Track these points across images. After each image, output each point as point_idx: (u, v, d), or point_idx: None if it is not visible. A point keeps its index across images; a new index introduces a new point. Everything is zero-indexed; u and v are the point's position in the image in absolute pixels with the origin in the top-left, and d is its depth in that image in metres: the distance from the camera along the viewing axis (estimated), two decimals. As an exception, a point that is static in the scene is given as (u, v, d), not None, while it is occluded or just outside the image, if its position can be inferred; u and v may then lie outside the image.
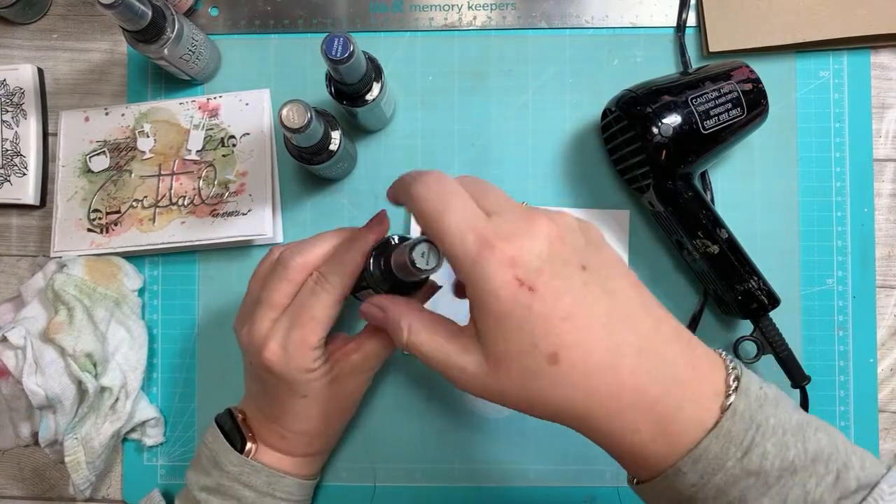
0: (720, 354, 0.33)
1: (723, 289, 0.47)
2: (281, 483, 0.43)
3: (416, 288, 0.42)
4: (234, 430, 0.44)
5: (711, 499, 0.30)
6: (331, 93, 0.45)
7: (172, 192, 0.51)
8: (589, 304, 0.30)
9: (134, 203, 0.51)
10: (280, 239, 0.52)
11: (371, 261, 0.40)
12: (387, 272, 0.39)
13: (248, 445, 0.43)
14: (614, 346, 0.30)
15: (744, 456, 0.29)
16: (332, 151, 0.46)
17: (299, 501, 0.45)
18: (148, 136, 0.52)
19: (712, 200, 0.51)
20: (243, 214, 0.51)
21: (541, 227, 0.31)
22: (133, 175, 0.52)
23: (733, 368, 0.32)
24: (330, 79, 0.45)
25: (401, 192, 0.35)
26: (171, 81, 0.53)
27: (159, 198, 0.51)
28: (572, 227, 0.32)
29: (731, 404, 0.30)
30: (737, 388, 0.31)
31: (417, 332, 0.35)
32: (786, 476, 0.29)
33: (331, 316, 0.40)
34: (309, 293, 0.40)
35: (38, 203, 0.53)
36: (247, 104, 0.52)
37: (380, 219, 0.41)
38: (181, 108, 0.52)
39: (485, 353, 0.32)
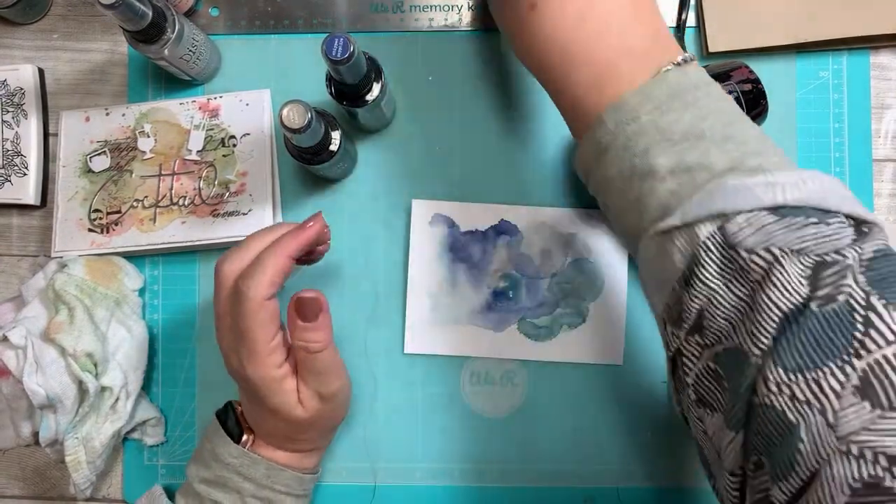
0: (685, 52, 0.34)
1: (722, 289, 0.47)
2: (280, 476, 0.43)
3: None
4: (233, 423, 0.44)
5: (621, 148, 0.33)
6: (331, 93, 0.45)
7: (173, 192, 0.51)
8: None
9: (134, 203, 0.51)
10: (280, 239, 0.52)
11: None
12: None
13: (245, 437, 0.44)
14: (586, 9, 0.34)
15: (659, 115, 0.32)
16: (332, 152, 0.46)
17: (299, 496, 0.45)
18: (148, 137, 0.52)
19: (712, 200, 0.51)
20: (244, 214, 0.51)
21: None
22: (133, 175, 0.52)
23: (690, 59, 0.34)
24: (330, 79, 0.45)
25: None
26: (171, 82, 0.53)
27: (160, 198, 0.51)
28: None
29: (663, 71, 0.33)
30: (679, 65, 0.33)
31: None
32: (691, 140, 0.31)
33: (262, 319, 0.39)
34: (236, 312, 0.40)
35: (38, 203, 0.53)
36: (247, 104, 0.52)
37: (309, 222, 0.42)
38: (181, 109, 0.52)
39: None
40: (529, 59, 0.37)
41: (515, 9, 0.36)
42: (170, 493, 0.47)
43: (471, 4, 0.53)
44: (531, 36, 0.36)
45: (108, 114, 0.52)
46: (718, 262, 0.29)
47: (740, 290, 0.29)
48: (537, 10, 0.35)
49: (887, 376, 0.25)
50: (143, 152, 0.52)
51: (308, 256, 0.44)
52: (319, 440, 0.46)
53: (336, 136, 0.46)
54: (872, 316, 0.26)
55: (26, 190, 0.52)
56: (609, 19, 0.34)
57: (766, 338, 0.28)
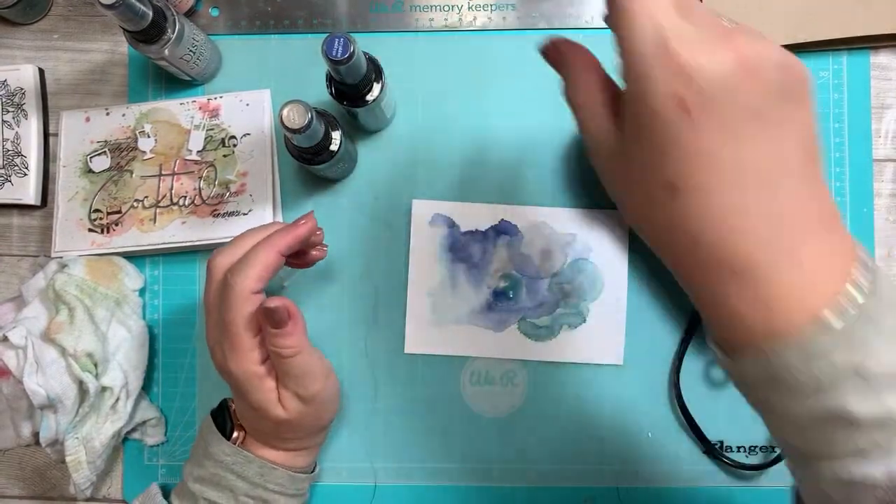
0: (857, 245, 0.28)
1: (722, 289, 0.47)
2: (273, 475, 0.43)
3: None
4: (225, 419, 0.45)
5: (802, 384, 0.26)
6: (331, 93, 0.45)
7: (173, 192, 0.51)
8: (735, 151, 0.26)
9: (135, 203, 0.51)
10: (280, 239, 0.52)
11: None
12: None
13: (235, 434, 0.44)
14: (743, 205, 0.26)
15: (855, 354, 0.25)
16: (332, 152, 0.46)
17: (292, 495, 0.45)
18: (149, 137, 0.52)
19: (712, 200, 0.51)
20: (244, 214, 0.51)
21: (733, 50, 0.26)
22: (134, 175, 0.52)
23: (874, 269, 0.27)
24: (330, 79, 0.45)
25: None
26: (171, 82, 0.53)
27: (160, 198, 0.51)
28: (771, 64, 0.27)
29: (855, 299, 0.26)
30: (870, 287, 0.26)
31: (587, 83, 0.32)
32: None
33: (245, 314, 0.40)
34: (221, 308, 0.41)
35: (38, 203, 0.53)
36: (247, 104, 0.52)
37: (305, 218, 0.43)
38: (182, 109, 0.52)
39: (621, 144, 0.29)
40: (663, 252, 0.30)
41: (647, 191, 0.28)
42: (167, 492, 0.47)
43: (471, 4, 0.53)
44: (671, 229, 0.28)
45: (108, 114, 0.52)
46: None
47: None
48: (680, 198, 0.27)
49: None
50: (144, 152, 0.52)
51: (301, 259, 0.45)
52: (308, 440, 0.46)
53: (336, 136, 0.46)
54: None
55: (26, 190, 0.52)
56: (779, 218, 0.26)
57: None
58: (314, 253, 0.45)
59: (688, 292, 0.30)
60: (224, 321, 0.40)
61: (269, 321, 0.39)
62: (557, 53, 0.33)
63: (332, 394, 0.44)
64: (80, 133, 0.52)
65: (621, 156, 0.29)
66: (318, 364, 0.42)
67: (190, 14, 0.53)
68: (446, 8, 0.53)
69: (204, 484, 0.43)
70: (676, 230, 0.28)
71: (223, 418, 0.45)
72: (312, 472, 0.48)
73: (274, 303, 0.39)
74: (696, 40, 0.26)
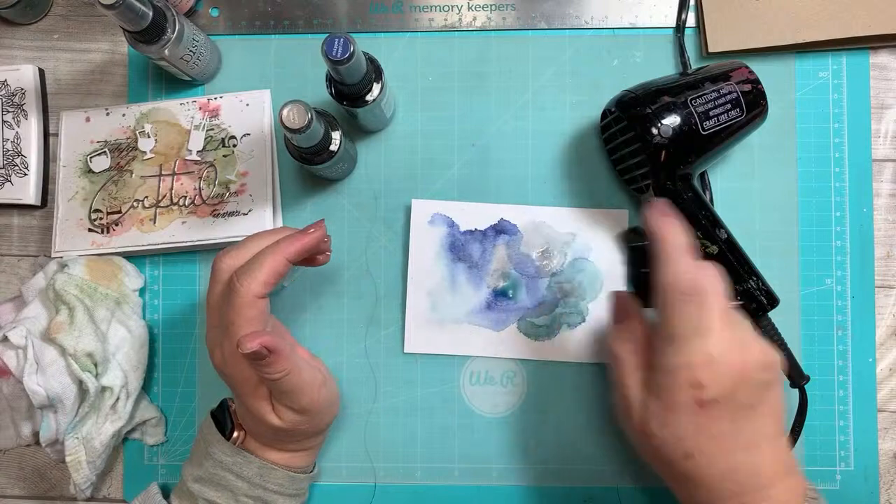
0: (809, 485, 0.40)
1: (722, 289, 0.47)
2: (272, 475, 0.43)
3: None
4: (225, 419, 0.45)
5: None
6: (331, 93, 0.45)
7: (173, 192, 0.51)
8: (734, 432, 0.38)
9: (135, 203, 0.51)
10: (280, 239, 0.52)
11: None
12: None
13: (236, 433, 0.44)
14: (736, 465, 0.38)
15: None
16: (332, 152, 0.46)
17: (291, 495, 0.45)
18: (149, 137, 0.52)
19: (711, 201, 0.51)
20: (244, 214, 0.51)
21: (737, 363, 0.37)
22: (134, 175, 0.52)
23: (812, 499, 0.40)
24: (330, 79, 0.45)
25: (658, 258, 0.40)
26: (171, 82, 0.53)
27: (160, 198, 0.51)
28: (759, 367, 0.38)
29: None
30: None
31: (629, 364, 0.42)
32: None
33: (249, 317, 0.40)
34: (225, 309, 0.40)
35: (39, 203, 0.53)
36: (247, 104, 0.52)
37: (316, 226, 0.43)
38: (182, 109, 0.52)
39: (646, 414, 0.39)
40: (675, 487, 0.41)
41: (667, 457, 0.39)
42: (167, 492, 0.47)
43: (471, 4, 0.53)
44: (682, 478, 0.39)
45: (108, 114, 0.52)
46: None
47: None
48: (692, 461, 0.38)
49: None
50: (144, 152, 0.52)
51: (306, 263, 0.44)
52: (307, 442, 0.46)
53: (336, 136, 0.46)
54: None
55: (27, 190, 0.52)
56: (759, 470, 0.38)
57: None
58: (320, 258, 0.45)
59: None
60: (226, 323, 0.40)
61: (250, 360, 0.39)
62: (618, 307, 0.45)
63: (326, 402, 0.44)
64: (80, 133, 0.52)
65: (645, 427, 0.39)
66: (310, 378, 0.42)
67: (190, 14, 0.53)
68: (446, 8, 0.53)
69: (203, 484, 0.43)
70: (689, 482, 0.39)
71: (223, 418, 0.45)
72: (312, 471, 0.48)
73: (250, 346, 0.38)
74: (712, 352, 0.37)
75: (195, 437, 0.46)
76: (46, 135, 0.54)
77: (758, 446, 0.38)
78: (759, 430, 0.38)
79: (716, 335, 0.37)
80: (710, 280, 0.38)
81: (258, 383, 0.41)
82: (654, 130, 0.44)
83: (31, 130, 0.53)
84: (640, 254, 0.48)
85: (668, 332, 0.38)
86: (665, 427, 0.38)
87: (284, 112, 0.40)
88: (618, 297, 0.46)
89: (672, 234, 0.39)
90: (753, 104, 0.47)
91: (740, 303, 0.41)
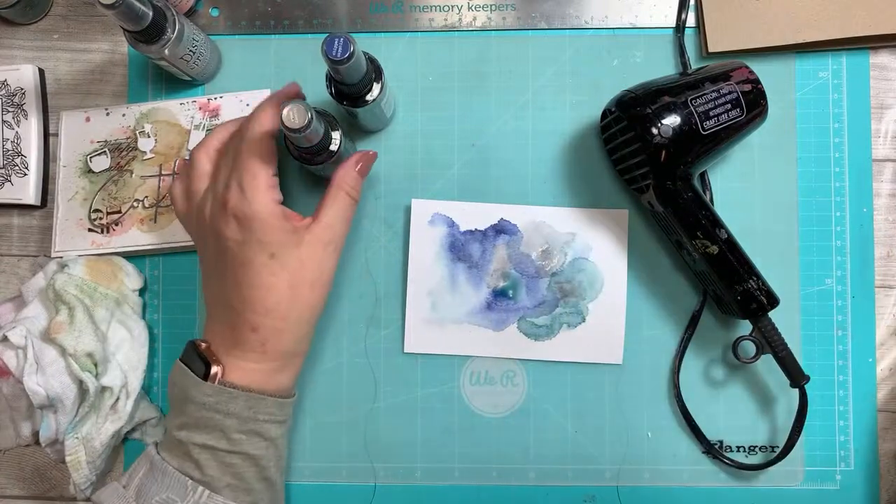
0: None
1: (722, 289, 0.47)
2: (261, 405, 0.42)
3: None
4: (200, 361, 0.42)
5: None
6: (331, 93, 0.45)
7: (173, 192, 0.51)
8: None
9: (135, 203, 0.51)
10: (280, 239, 0.52)
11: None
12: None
13: (214, 369, 0.42)
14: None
15: None
16: (332, 152, 0.46)
17: (282, 422, 0.44)
18: (149, 137, 0.52)
19: (711, 201, 0.51)
20: (244, 214, 0.51)
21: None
22: (134, 175, 0.52)
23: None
24: (330, 79, 0.45)
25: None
26: (171, 82, 0.53)
27: (160, 198, 0.51)
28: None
29: None
30: None
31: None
32: None
33: (263, 151, 0.42)
34: (235, 149, 0.43)
35: (38, 203, 0.53)
36: (247, 105, 0.52)
37: (291, 86, 0.46)
38: (182, 109, 0.52)
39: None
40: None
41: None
42: None
43: (471, 4, 0.53)
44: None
45: (108, 114, 0.52)
46: None
47: None
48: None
49: None
50: (144, 152, 0.52)
51: (317, 156, 0.46)
52: (289, 341, 0.43)
53: (336, 136, 0.46)
54: None
55: (26, 190, 0.52)
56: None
57: None
58: (370, 155, 0.48)
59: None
60: (242, 157, 0.42)
61: (360, 165, 0.46)
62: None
63: (329, 278, 0.45)
64: (80, 133, 0.52)
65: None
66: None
67: (190, 14, 0.53)
68: (446, 8, 0.53)
69: (190, 430, 0.41)
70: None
71: (194, 361, 0.43)
72: (294, 396, 0.46)
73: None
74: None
75: (168, 390, 0.44)
76: (46, 135, 0.54)
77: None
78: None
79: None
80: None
81: (284, 213, 0.43)
82: (655, 130, 0.44)
83: (30, 130, 0.53)
84: None
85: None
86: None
87: (284, 112, 0.40)
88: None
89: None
90: (753, 104, 0.47)
91: None
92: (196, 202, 0.45)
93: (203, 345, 0.43)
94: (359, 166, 0.46)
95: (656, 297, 0.52)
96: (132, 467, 0.43)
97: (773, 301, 0.47)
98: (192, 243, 0.51)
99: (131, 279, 0.51)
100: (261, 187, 0.41)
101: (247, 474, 0.42)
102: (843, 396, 0.51)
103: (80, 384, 0.46)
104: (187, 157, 0.51)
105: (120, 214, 0.51)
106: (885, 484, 0.51)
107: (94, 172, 0.52)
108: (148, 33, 0.45)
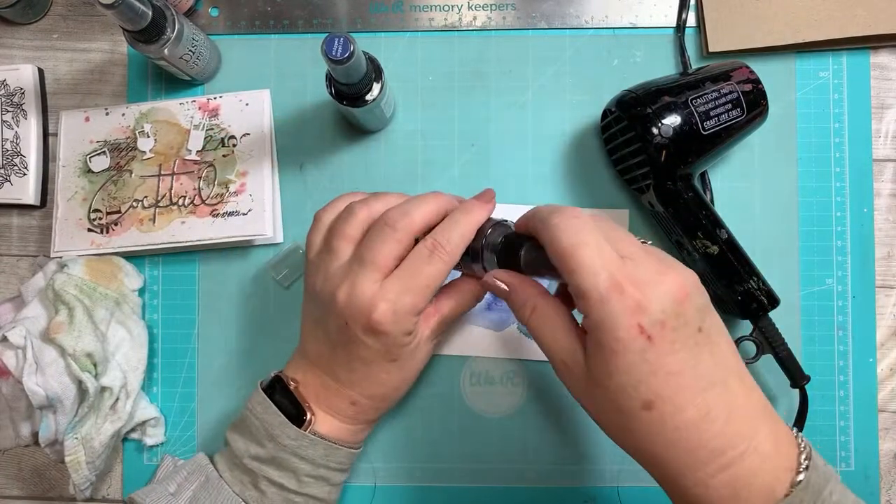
0: (794, 431, 0.35)
1: (722, 289, 0.47)
2: (336, 454, 0.43)
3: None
4: (289, 401, 0.43)
5: None
6: (331, 93, 0.45)
7: (173, 192, 0.51)
8: (694, 366, 0.32)
9: (134, 203, 0.51)
10: (280, 239, 0.52)
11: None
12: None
13: (308, 416, 0.42)
14: (707, 409, 0.32)
15: None
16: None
17: (346, 471, 0.45)
18: (148, 136, 0.52)
19: (712, 201, 0.51)
20: (243, 214, 0.51)
21: (671, 281, 0.32)
22: (133, 175, 0.52)
23: (804, 447, 0.34)
24: (330, 79, 0.45)
25: (535, 221, 0.37)
26: (171, 81, 0.53)
27: (159, 198, 0.51)
28: (697, 286, 0.34)
29: (801, 480, 0.32)
30: (808, 466, 0.33)
31: (541, 316, 0.37)
32: None
33: (442, 283, 0.41)
34: (424, 261, 0.40)
35: (38, 203, 0.53)
36: (247, 104, 0.52)
37: (489, 196, 0.43)
38: (181, 109, 0.52)
39: (588, 369, 0.34)
40: (639, 456, 0.35)
41: (624, 410, 0.33)
42: (211, 457, 0.46)
43: (471, 4, 0.53)
44: (648, 436, 0.33)
45: (107, 114, 0.52)
46: None
47: None
48: (655, 411, 0.32)
49: None
50: (143, 152, 0.52)
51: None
52: (381, 410, 0.45)
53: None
54: None
55: (26, 190, 0.52)
56: (734, 411, 0.33)
57: None
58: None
59: (664, 487, 0.34)
60: (420, 283, 0.40)
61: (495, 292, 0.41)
62: (511, 287, 0.40)
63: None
64: (80, 133, 0.52)
65: (590, 380, 0.34)
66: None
67: (190, 14, 0.53)
68: (446, 8, 0.53)
69: (264, 463, 0.42)
70: (655, 438, 0.33)
71: (279, 397, 0.43)
72: (360, 448, 0.47)
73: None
74: (642, 278, 0.32)
75: (245, 413, 0.44)
76: (46, 134, 0.54)
77: (725, 383, 0.33)
78: (722, 363, 0.33)
79: (640, 257, 0.33)
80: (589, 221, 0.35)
81: (415, 337, 0.42)
82: (655, 130, 0.44)
83: (30, 130, 0.53)
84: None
85: (579, 261, 0.33)
86: (613, 375, 0.32)
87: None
88: (488, 283, 0.41)
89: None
90: (754, 104, 0.47)
91: (649, 242, 0.38)
92: (335, 267, 0.41)
93: (293, 384, 0.43)
94: (503, 285, 0.40)
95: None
96: (178, 473, 0.44)
97: (774, 301, 0.47)
98: (191, 243, 0.51)
99: (131, 279, 0.51)
100: (413, 313, 0.40)
101: None
102: (843, 396, 0.51)
103: (80, 384, 0.46)
104: (187, 158, 0.51)
105: (119, 214, 0.51)
106: (885, 484, 0.51)
107: (93, 172, 0.52)
108: (148, 33, 0.44)
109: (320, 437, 0.42)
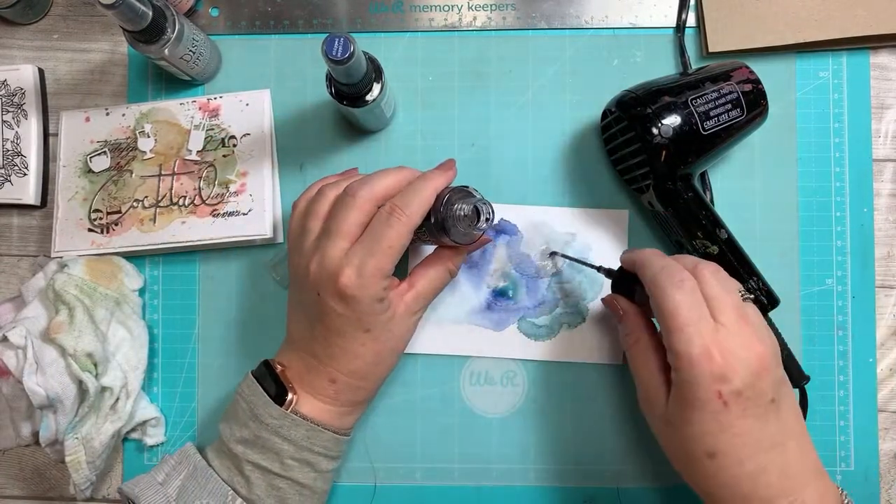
0: (841, 492, 0.39)
1: (722, 289, 0.47)
2: (319, 437, 0.43)
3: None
4: (273, 382, 0.43)
5: None
6: (331, 93, 0.45)
7: (173, 192, 0.51)
8: (760, 429, 0.37)
9: (134, 203, 0.51)
10: (280, 239, 0.52)
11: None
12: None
13: (290, 396, 0.43)
14: (764, 465, 0.37)
15: None
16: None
17: (334, 458, 0.45)
18: (148, 137, 0.52)
19: (712, 201, 0.51)
20: (244, 214, 0.51)
21: (755, 356, 0.37)
22: (134, 175, 0.52)
23: (847, 503, 0.39)
24: (330, 79, 0.45)
25: (643, 271, 0.41)
26: (171, 82, 0.53)
27: (160, 198, 0.51)
28: (776, 358, 0.38)
29: None
30: None
31: (641, 349, 0.42)
32: None
33: (403, 245, 0.41)
34: (384, 223, 0.41)
35: (38, 203, 0.53)
36: (247, 104, 0.52)
37: (449, 164, 0.44)
38: (182, 109, 0.52)
39: (667, 410, 0.39)
40: (699, 492, 0.39)
41: (691, 453, 0.38)
42: (201, 448, 0.46)
43: (471, 4, 0.53)
44: (707, 478, 0.38)
45: (108, 114, 0.52)
46: None
47: None
48: (717, 461, 0.37)
49: None
50: (144, 152, 0.52)
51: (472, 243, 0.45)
52: (365, 390, 0.45)
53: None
54: None
55: (26, 190, 0.52)
56: (788, 470, 0.37)
57: None
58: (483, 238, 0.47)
59: None
60: (382, 246, 0.40)
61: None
62: (624, 314, 0.45)
63: (408, 341, 0.46)
64: (80, 133, 0.52)
65: (666, 420, 0.39)
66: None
67: (190, 14, 0.53)
68: (446, 8, 0.53)
69: (248, 446, 0.43)
70: (712, 481, 0.38)
71: (267, 381, 0.44)
72: (349, 435, 0.47)
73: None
74: (730, 348, 0.37)
75: (233, 402, 0.45)
76: (46, 135, 0.54)
77: (784, 445, 0.37)
78: (785, 428, 0.38)
79: (733, 324, 0.37)
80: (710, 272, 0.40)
81: (386, 308, 0.42)
82: (655, 130, 0.44)
83: (30, 130, 0.53)
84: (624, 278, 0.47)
85: (677, 324, 0.37)
86: (688, 424, 0.37)
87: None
88: (607, 301, 0.46)
89: (650, 258, 0.41)
90: (754, 104, 0.47)
91: (751, 297, 0.41)
92: (308, 243, 0.43)
93: (279, 367, 0.44)
94: (619, 310, 0.45)
95: (656, 297, 0.52)
96: (167, 464, 0.44)
97: (774, 301, 0.47)
98: (191, 243, 0.51)
99: (131, 279, 0.51)
100: (378, 276, 0.41)
101: (290, 500, 0.43)
102: (843, 396, 0.51)
103: (80, 384, 0.46)
104: (187, 158, 0.51)
105: (120, 214, 0.51)
106: (885, 484, 0.51)
107: (93, 172, 0.52)
108: (148, 33, 0.45)
109: (302, 418, 0.42)
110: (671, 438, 0.39)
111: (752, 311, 0.39)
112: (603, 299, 0.47)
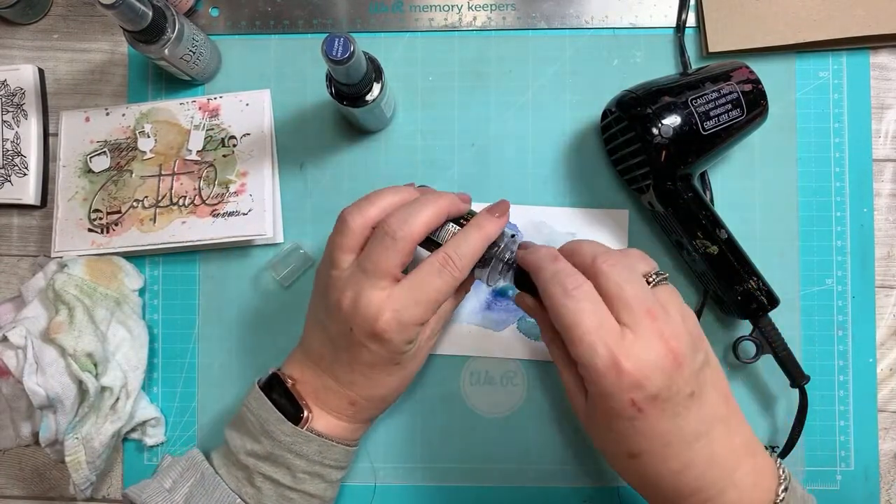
0: (777, 463, 0.38)
1: (722, 289, 0.47)
2: (331, 451, 0.43)
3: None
4: (286, 399, 0.43)
5: None
6: (331, 93, 0.45)
7: (173, 192, 0.51)
8: (681, 426, 0.35)
9: (134, 203, 0.51)
10: (280, 239, 0.52)
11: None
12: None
13: (305, 414, 0.42)
14: (689, 459, 0.36)
15: None
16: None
17: (343, 468, 0.45)
18: (148, 137, 0.52)
19: (712, 201, 0.51)
20: (244, 214, 0.51)
21: (666, 354, 0.34)
22: (134, 175, 0.52)
23: (784, 478, 0.37)
24: (330, 79, 0.45)
25: (538, 277, 0.38)
26: (171, 82, 0.53)
27: (160, 198, 0.51)
28: (692, 346, 0.36)
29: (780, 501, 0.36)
30: (784, 498, 0.36)
31: (557, 348, 0.40)
32: None
33: (448, 295, 0.41)
34: (435, 274, 0.40)
35: (38, 203, 0.53)
36: (247, 104, 0.52)
37: (504, 209, 0.43)
38: (182, 109, 0.52)
39: (587, 411, 0.38)
40: (635, 488, 0.39)
41: (614, 454, 0.38)
42: (207, 452, 0.46)
43: (471, 4, 0.53)
44: (633, 476, 0.38)
45: (108, 114, 0.52)
46: None
47: None
48: (640, 461, 0.36)
49: None
50: (144, 152, 0.52)
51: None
52: (379, 408, 0.45)
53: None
54: None
55: (26, 190, 0.52)
56: (715, 457, 0.36)
57: None
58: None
59: None
60: (428, 296, 0.40)
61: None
62: (534, 315, 0.43)
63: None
64: (80, 133, 0.52)
65: (589, 422, 0.38)
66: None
67: (190, 14, 0.53)
68: (446, 8, 0.53)
69: (259, 459, 0.42)
70: (638, 479, 0.37)
71: (277, 394, 0.43)
72: (357, 445, 0.47)
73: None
74: (638, 353, 0.34)
75: (242, 409, 0.44)
76: (46, 135, 0.54)
77: (709, 434, 0.36)
78: (709, 415, 0.36)
79: (640, 324, 0.35)
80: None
81: (415, 342, 0.42)
82: (655, 130, 0.44)
83: (30, 130, 0.53)
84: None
85: (577, 335, 0.35)
86: (607, 429, 0.36)
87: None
88: (517, 301, 0.44)
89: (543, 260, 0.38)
90: (754, 104, 0.47)
91: (663, 276, 0.38)
92: (340, 275, 0.41)
93: (290, 382, 0.43)
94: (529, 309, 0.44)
95: (656, 297, 0.52)
96: (173, 469, 0.44)
97: (774, 301, 0.47)
98: (191, 243, 0.51)
99: (131, 279, 0.51)
100: (418, 324, 0.40)
101: None
102: (843, 396, 0.51)
103: (80, 384, 0.46)
104: (187, 158, 0.51)
105: (120, 214, 0.51)
106: (885, 484, 0.51)
107: (93, 172, 0.52)
108: (148, 33, 0.45)
109: (316, 435, 0.42)
110: (595, 437, 0.38)
111: (665, 294, 0.37)
112: (514, 299, 0.45)
